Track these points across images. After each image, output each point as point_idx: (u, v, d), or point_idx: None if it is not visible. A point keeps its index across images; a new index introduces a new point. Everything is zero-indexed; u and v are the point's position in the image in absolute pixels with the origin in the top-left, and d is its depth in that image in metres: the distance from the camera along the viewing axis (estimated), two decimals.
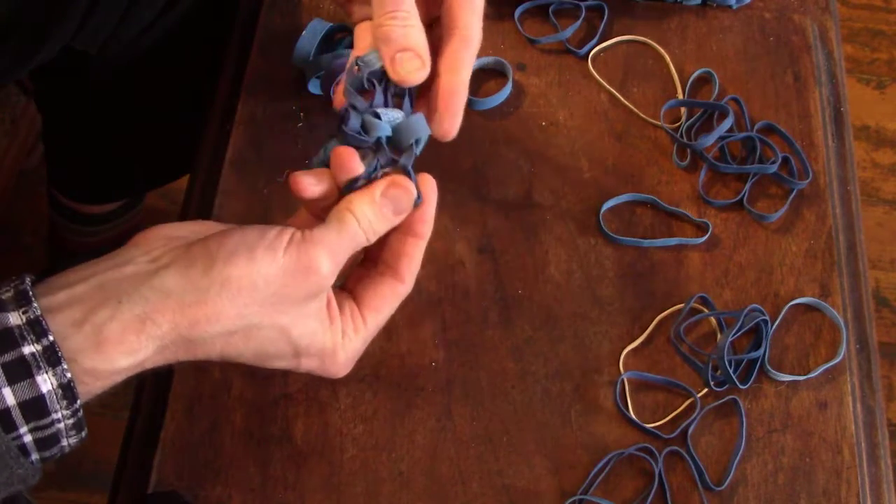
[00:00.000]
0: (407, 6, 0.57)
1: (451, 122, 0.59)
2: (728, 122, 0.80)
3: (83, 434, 0.52)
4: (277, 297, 0.54)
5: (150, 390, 0.72)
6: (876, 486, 0.71)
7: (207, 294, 0.52)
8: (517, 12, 0.87)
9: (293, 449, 0.68)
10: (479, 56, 0.84)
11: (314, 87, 0.82)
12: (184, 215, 0.80)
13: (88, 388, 0.51)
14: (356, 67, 0.59)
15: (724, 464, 0.70)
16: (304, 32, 0.81)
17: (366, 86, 0.58)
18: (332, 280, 0.56)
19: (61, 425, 0.50)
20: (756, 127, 0.83)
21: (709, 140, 0.80)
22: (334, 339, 0.58)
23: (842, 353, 0.74)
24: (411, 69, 0.57)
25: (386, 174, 0.58)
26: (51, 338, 0.49)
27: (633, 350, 0.73)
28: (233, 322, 0.53)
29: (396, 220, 0.58)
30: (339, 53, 0.80)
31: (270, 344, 0.56)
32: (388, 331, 0.73)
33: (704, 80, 0.86)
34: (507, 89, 0.83)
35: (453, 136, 0.60)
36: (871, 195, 1.66)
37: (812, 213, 0.80)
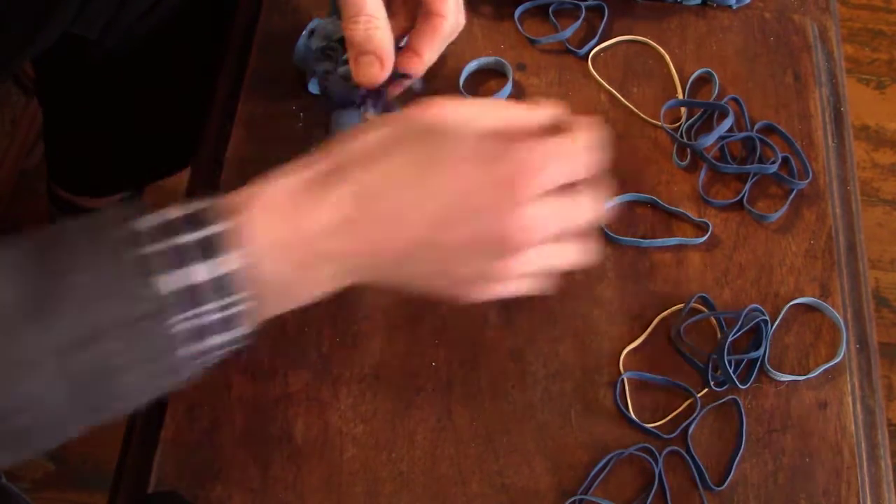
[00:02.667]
0: (370, 8, 0.60)
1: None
2: (728, 122, 0.80)
3: (239, 331, 0.52)
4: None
5: None
6: (876, 486, 0.71)
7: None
8: (517, 12, 0.87)
9: (293, 449, 0.68)
10: (478, 56, 0.85)
11: (314, 87, 0.82)
12: None
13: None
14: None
15: (724, 464, 0.70)
16: (304, 32, 0.81)
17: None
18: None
19: (214, 317, 0.50)
20: (756, 127, 0.83)
21: (709, 140, 0.80)
22: (498, 138, 0.55)
23: (842, 353, 0.74)
24: (370, 74, 0.61)
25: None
26: (212, 229, 0.49)
27: (633, 350, 0.73)
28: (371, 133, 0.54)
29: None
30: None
31: (420, 136, 0.55)
32: (388, 331, 0.73)
33: (704, 80, 0.86)
34: (507, 89, 0.83)
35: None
36: (871, 195, 1.66)
37: (812, 213, 0.80)
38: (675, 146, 0.81)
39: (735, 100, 0.84)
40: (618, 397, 0.71)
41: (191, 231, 0.49)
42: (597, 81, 0.85)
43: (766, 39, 0.88)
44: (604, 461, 0.69)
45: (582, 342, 0.73)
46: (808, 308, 0.76)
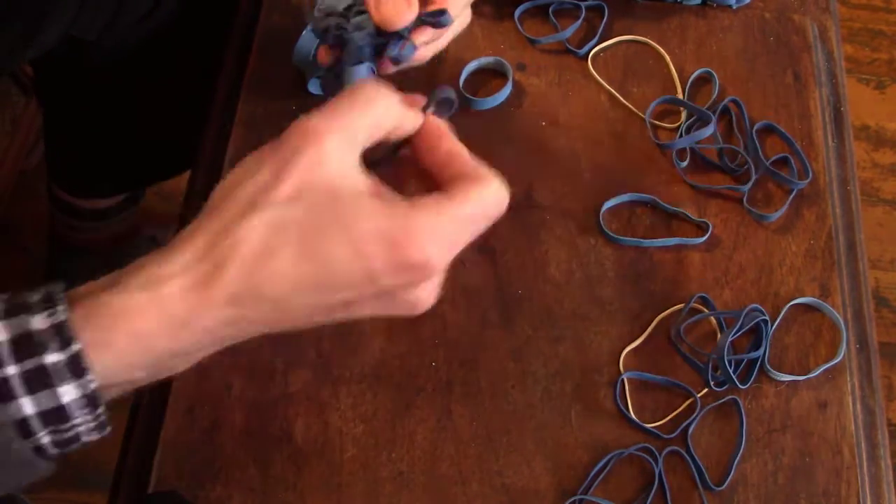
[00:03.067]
0: None
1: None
2: (708, 131, 0.80)
3: (105, 432, 0.49)
4: (276, 166, 0.47)
5: (150, 390, 0.72)
6: (876, 486, 0.71)
7: (211, 208, 0.48)
8: (517, 12, 0.87)
9: (293, 449, 0.68)
10: (479, 56, 0.85)
11: (314, 87, 0.82)
12: (183, 216, 0.80)
13: (106, 335, 0.46)
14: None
15: (724, 464, 0.70)
16: (304, 32, 0.81)
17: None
18: (336, 133, 0.49)
19: (82, 428, 0.47)
20: (756, 127, 0.83)
21: (680, 143, 0.80)
22: (397, 210, 0.48)
23: (842, 353, 0.74)
24: (397, 10, 0.55)
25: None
26: (75, 347, 0.45)
27: (633, 350, 0.73)
28: (249, 217, 0.47)
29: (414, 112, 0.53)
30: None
31: (308, 226, 0.47)
32: (388, 331, 0.73)
33: (704, 80, 0.86)
34: (507, 89, 0.83)
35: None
36: (871, 195, 1.66)
37: (812, 213, 0.80)
38: (676, 147, 0.82)
39: (735, 101, 0.84)
40: (618, 397, 0.71)
41: (57, 350, 0.45)
42: (597, 81, 0.85)
43: (766, 39, 0.88)
44: (604, 461, 0.69)
45: (582, 342, 0.73)
46: (808, 308, 0.76)
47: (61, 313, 0.45)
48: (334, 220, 0.47)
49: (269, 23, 0.86)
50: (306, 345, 0.71)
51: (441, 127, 0.53)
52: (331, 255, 0.47)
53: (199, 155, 0.83)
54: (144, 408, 0.72)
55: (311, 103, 0.81)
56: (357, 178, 0.48)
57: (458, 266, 0.75)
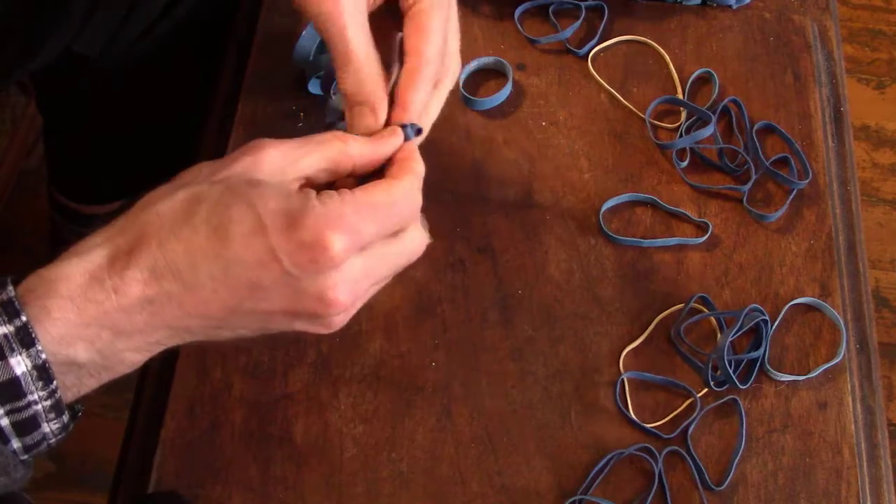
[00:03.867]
0: (359, 55, 0.57)
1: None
2: (708, 131, 0.80)
3: (65, 419, 0.50)
4: (213, 167, 0.52)
5: (151, 390, 0.72)
6: (876, 486, 0.71)
7: (151, 193, 0.52)
8: (517, 12, 0.87)
9: (293, 449, 0.68)
10: (478, 56, 0.85)
11: (314, 87, 0.82)
12: None
13: (46, 325, 0.48)
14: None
15: (724, 464, 0.70)
16: (304, 32, 0.81)
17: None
18: (276, 154, 0.52)
19: (38, 407, 0.48)
20: (756, 127, 0.83)
21: (680, 143, 0.80)
22: (304, 193, 0.51)
23: (842, 353, 0.74)
24: (364, 125, 0.58)
25: None
26: (23, 318, 0.48)
27: (633, 350, 0.73)
28: (173, 194, 0.51)
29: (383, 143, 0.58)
30: None
31: (218, 203, 0.50)
32: (388, 331, 0.73)
33: (704, 80, 0.86)
34: (507, 89, 0.83)
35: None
36: (871, 195, 1.66)
37: (812, 213, 0.80)
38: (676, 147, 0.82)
39: (735, 101, 0.84)
40: (618, 397, 0.71)
41: (5, 323, 0.48)
42: (597, 81, 0.85)
43: (766, 39, 0.88)
44: (604, 461, 0.69)
45: (582, 342, 0.73)
46: (808, 308, 0.76)
47: (8, 291, 0.48)
48: (242, 197, 0.50)
49: (269, 23, 0.86)
50: (306, 345, 0.71)
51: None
52: (230, 227, 0.49)
53: (199, 155, 0.83)
54: (144, 408, 0.72)
55: (312, 103, 0.82)
56: (277, 183, 0.51)
57: (458, 266, 0.76)
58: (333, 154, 0.54)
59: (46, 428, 0.50)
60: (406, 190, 0.54)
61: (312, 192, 0.51)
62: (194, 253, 0.49)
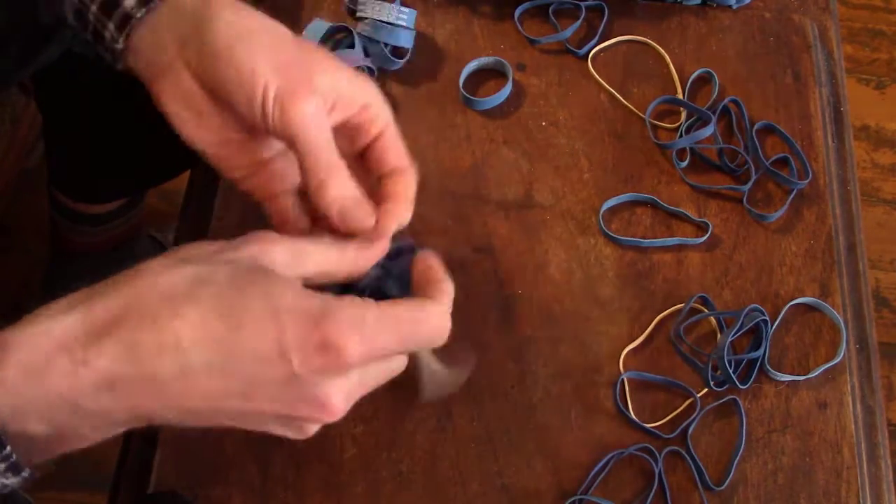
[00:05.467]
0: (336, 158, 0.54)
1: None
2: (708, 131, 0.80)
3: (25, 473, 0.46)
4: (211, 251, 0.48)
5: None
6: (876, 486, 0.71)
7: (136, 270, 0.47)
8: (517, 12, 0.87)
9: (293, 449, 0.68)
10: (478, 56, 0.85)
11: None
12: (184, 216, 0.80)
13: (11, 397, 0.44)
14: None
15: (724, 464, 0.70)
16: (304, 32, 0.81)
17: None
18: (286, 258, 0.49)
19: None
20: (756, 127, 0.83)
21: (680, 143, 0.80)
22: (323, 297, 0.47)
23: (842, 353, 0.74)
24: (359, 217, 0.54)
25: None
26: None
27: (633, 350, 0.73)
28: (168, 275, 0.46)
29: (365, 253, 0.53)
30: (338, 53, 0.80)
31: (224, 295, 0.45)
32: None
33: (704, 80, 0.86)
34: (507, 89, 0.83)
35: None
36: (871, 195, 1.66)
37: (812, 213, 0.80)
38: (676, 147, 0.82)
39: (735, 101, 0.84)
40: (618, 397, 0.71)
41: None
42: (597, 81, 0.85)
43: (766, 39, 0.88)
44: (604, 461, 0.69)
45: (582, 342, 0.73)
46: (808, 308, 0.76)
47: None
48: (260, 284, 0.46)
49: None
50: None
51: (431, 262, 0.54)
52: (246, 313, 0.45)
53: (199, 155, 0.83)
54: None
55: None
56: (290, 279, 0.48)
57: (458, 266, 0.76)
58: (334, 256, 0.51)
59: (8, 480, 0.46)
60: (434, 313, 0.50)
61: (329, 294, 0.47)
62: (194, 334, 0.44)
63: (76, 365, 0.44)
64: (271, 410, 0.48)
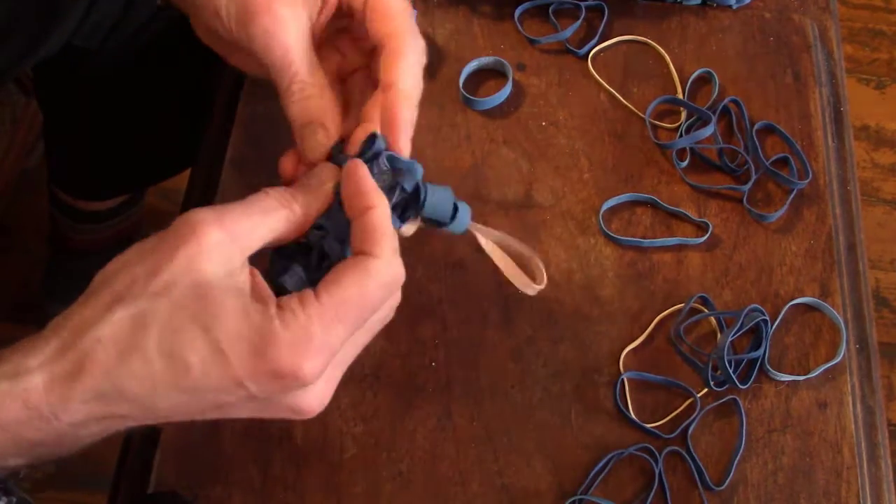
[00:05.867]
0: (301, 78, 0.55)
1: (395, 144, 0.56)
2: (708, 131, 0.80)
3: (14, 499, 0.48)
4: (151, 263, 0.46)
5: None
6: (876, 486, 0.71)
7: (87, 295, 0.47)
8: (517, 12, 0.87)
9: (293, 449, 0.68)
10: (478, 56, 0.85)
11: None
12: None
13: None
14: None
15: (724, 464, 0.70)
16: None
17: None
18: (220, 237, 0.47)
19: None
20: (756, 127, 0.83)
21: (680, 143, 0.80)
22: (264, 313, 0.46)
23: (842, 353, 0.74)
24: (315, 144, 0.55)
25: None
26: None
27: (633, 350, 0.73)
28: (113, 311, 0.45)
29: (321, 193, 0.52)
30: None
31: (168, 328, 0.45)
32: (388, 331, 0.72)
33: (704, 80, 0.86)
34: (507, 89, 0.83)
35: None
36: (871, 195, 1.66)
37: (812, 213, 0.80)
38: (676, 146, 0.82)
39: (735, 101, 0.84)
40: (618, 397, 0.71)
41: None
42: (597, 81, 0.85)
43: (766, 39, 0.88)
44: (604, 461, 0.69)
45: (582, 342, 0.73)
46: (808, 308, 0.76)
47: None
48: (195, 318, 0.45)
49: None
50: None
51: (360, 184, 0.51)
52: (188, 357, 0.45)
53: (200, 154, 0.83)
54: None
55: None
56: (234, 279, 0.47)
57: (458, 266, 0.76)
58: (280, 225, 0.50)
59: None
60: (379, 272, 0.49)
61: (272, 306, 0.47)
62: (150, 383, 0.46)
63: (47, 419, 0.45)
64: (250, 414, 0.49)
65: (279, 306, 0.47)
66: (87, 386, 0.45)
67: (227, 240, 0.47)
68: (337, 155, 0.56)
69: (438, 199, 0.56)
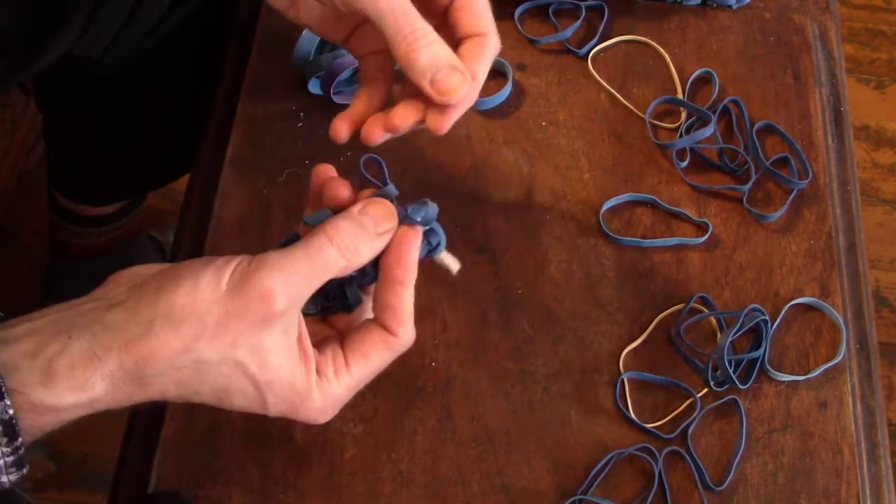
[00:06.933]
0: (420, 23, 0.55)
1: (447, 122, 0.58)
2: (708, 131, 0.80)
3: (24, 471, 0.50)
4: (224, 326, 0.50)
5: None
6: (876, 486, 0.71)
7: (151, 327, 0.50)
8: (517, 12, 0.87)
9: (293, 449, 0.68)
10: None
11: (314, 87, 0.82)
12: (184, 215, 0.80)
13: (32, 424, 0.49)
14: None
15: (724, 464, 0.70)
16: (304, 32, 0.81)
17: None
18: (288, 307, 0.51)
19: (0, 462, 0.48)
20: (756, 127, 0.83)
21: (680, 143, 0.80)
22: (307, 379, 0.53)
23: (842, 353, 0.73)
24: (455, 84, 0.55)
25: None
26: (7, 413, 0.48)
27: (633, 350, 0.73)
28: (180, 357, 0.50)
29: (379, 242, 0.55)
30: (338, 53, 0.80)
31: (226, 380, 0.52)
32: None
33: (704, 80, 0.86)
34: (507, 89, 0.83)
35: (445, 132, 0.59)
36: (871, 195, 1.66)
37: (812, 213, 0.80)
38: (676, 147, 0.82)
39: (735, 101, 0.84)
40: (618, 397, 0.71)
41: None
42: (597, 81, 0.85)
43: (766, 39, 0.88)
44: (604, 461, 0.69)
45: (582, 342, 0.73)
46: (808, 308, 0.76)
47: (7, 409, 0.48)
48: (251, 377, 0.52)
49: (269, 23, 0.86)
50: None
51: (399, 273, 0.56)
52: (234, 401, 0.53)
53: (199, 155, 0.83)
54: (144, 408, 0.72)
55: (311, 103, 0.82)
56: (288, 336, 0.53)
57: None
58: (335, 274, 0.54)
59: (4, 478, 0.49)
60: (399, 348, 0.57)
61: (313, 373, 0.54)
62: (194, 399, 0.53)
63: (101, 412, 0.52)
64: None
65: (318, 371, 0.54)
66: (144, 397, 0.52)
67: (293, 307, 0.52)
68: (384, 190, 0.57)
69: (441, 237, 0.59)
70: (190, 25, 0.94)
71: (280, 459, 0.68)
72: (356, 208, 0.55)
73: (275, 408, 0.53)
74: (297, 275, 0.52)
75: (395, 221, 0.55)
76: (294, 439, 0.69)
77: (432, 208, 0.56)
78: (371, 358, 0.56)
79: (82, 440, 1.29)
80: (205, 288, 0.51)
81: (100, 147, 1.12)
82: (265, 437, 0.69)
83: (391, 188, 0.56)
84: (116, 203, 1.27)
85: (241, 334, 0.51)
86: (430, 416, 0.70)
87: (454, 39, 0.58)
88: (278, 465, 0.68)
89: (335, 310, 0.58)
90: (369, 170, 0.57)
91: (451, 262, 0.59)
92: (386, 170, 0.57)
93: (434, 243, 0.58)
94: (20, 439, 0.49)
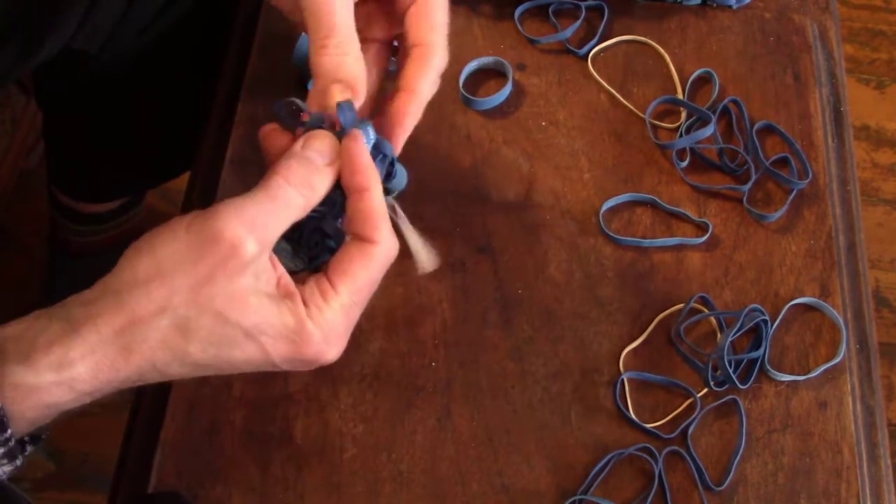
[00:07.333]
0: (341, 33, 0.55)
1: (395, 142, 0.58)
2: (708, 131, 0.80)
3: (18, 462, 0.50)
4: (193, 278, 0.50)
5: (150, 390, 0.72)
6: (876, 486, 0.71)
7: (122, 295, 0.50)
8: (517, 12, 0.87)
9: (293, 449, 0.68)
10: (479, 56, 0.84)
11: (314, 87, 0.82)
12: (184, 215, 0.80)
13: (16, 408, 0.49)
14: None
15: (724, 464, 0.70)
16: (303, 33, 0.81)
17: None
18: (259, 251, 0.51)
19: None
20: (756, 127, 0.83)
21: (680, 143, 0.80)
22: (297, 313, 0.52)
23: (842, 353, 0.74)
24: (332, 98, 0.56)
25: None
26: None
27: (633, 350, 0.73)
28: (157, 318, 0.50)
29: (330, 171, 0.54)
30: None
31: (211, 334, 0.51)
32: (388, 331, 0.73)
33: (704, 80, 0.86)
34: (507, 89, 0.83)
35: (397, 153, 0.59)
36: (871, 195, 1.66)
37: (812, 213, 0.80)
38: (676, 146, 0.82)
39: (735, 101, 0.84)
40: (618, 397, 0.71)
41: None
42: (597, 81, 0.85)
43: (766, 39, 0.88)
44: (604, 461, 0.69)
45: (582, 342, 0.73)
46: (808, 308, 0.76)
47: None
48: (237, 324, 0.51)
49: (268, 23, 0.86)
50: None
51: (363, 179, 0.54)
52: (230, 354, 0.52)
53: (199, 155, 0.83)
54: (144, 408, 0.72)
55: None
56: (265, 279, 0.52)
57: (458, 266, 0.76)
58: (299, 214, 0.53)
59: (3, 468, 0.50)
60: (382, 256, 0.54)
61: (300, 304, 0.52)
62: (191, 370, 0.52)
63: (90, 396, 0.51)
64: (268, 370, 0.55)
65: (305, 303, 0.52)
66: (132, 370, 0.51)
67: (261, 250, 0.51)
68: (316, 120, 0.56)
69: (399, 169, 0.59)
70: (187, 24, 0.94)
71: (280, 459, 0.68)
72: (298, 145, 0.54)
73: (276, 353, 0.52)
74: (260, 217, 0.51)
75: (338, 147, 0.54)
76: (294, 439, 0.69)
77: (366, 121, 0.56)
78: (356, 273, 0.54)
79: (82, 440, 1.29)
80: (164, 244, 0.51)
81: (99, 144, 1.12)
82: (265, 437, 0.69)
83: (317, 115, 0.55)
84: (116, 200, 1.27)
85: (216, 285, 0.50)
86: (430, 416, 0.70)
87: (405, 46, 0.59)
88: (278, 465, 0.68)
89: (323, 256, 0.56)
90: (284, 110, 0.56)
91: (425, 260, 0.59)
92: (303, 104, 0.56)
93: (387, 166, 0.57)
94: (9, 430, 0.49)
